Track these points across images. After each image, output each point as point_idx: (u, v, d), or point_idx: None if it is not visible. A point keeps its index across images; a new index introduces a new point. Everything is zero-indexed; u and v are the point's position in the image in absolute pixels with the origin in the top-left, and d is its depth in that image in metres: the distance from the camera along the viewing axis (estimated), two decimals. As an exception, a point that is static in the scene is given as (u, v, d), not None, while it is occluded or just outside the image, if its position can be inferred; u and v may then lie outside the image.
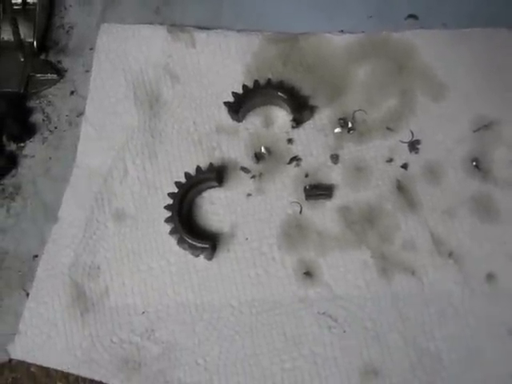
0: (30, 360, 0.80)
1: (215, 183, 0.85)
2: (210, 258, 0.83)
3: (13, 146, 0.92)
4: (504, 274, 0.80)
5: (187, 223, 0.83)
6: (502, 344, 0.78)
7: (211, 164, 0.85)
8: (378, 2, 0.96)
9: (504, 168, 0.84)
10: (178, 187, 0.84)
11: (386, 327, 0.79)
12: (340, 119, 0.88)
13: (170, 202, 0.83)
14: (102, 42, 0.95)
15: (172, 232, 0.82)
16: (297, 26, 0.94)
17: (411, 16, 0.94)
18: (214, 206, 0.85)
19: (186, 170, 0.85)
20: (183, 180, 0.84)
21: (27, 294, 0.83)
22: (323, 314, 0.80)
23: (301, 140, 0.88)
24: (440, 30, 0.92)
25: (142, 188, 0.87)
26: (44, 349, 0.80)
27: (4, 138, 0.92)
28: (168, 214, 0.82)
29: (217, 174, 0.84)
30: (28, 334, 0.81)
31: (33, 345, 0.80)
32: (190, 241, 0.81)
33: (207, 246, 0.81)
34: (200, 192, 0.86)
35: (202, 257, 0.82)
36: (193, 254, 0.82)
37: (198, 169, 0.84)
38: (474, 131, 0.86)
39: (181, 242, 0.82)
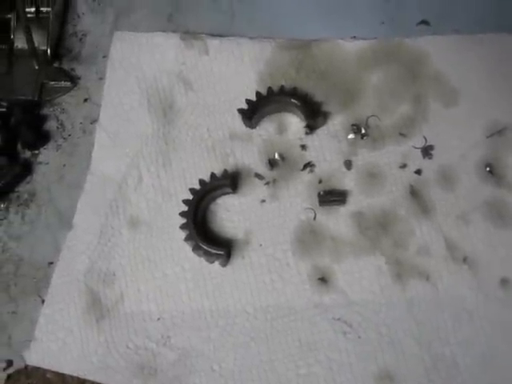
0: (45, 366, 0.81)
1: (230, 190, 0.85)
2: (224, 264, 0.83)
3: (27, 154, 0.92)
4: (518, 279, 0.80)
5: (202, 230, 0.84)
6: (517, 348, 0.78)
7: (225, 170, 0.85)
8: (390, 9, 0.96)
9: (518, 173, 0.85)
10: (192, 194, 0.84)
11: (401, 333, 0.79)
12: (353, 125, 0.88)
13: (185, 208, 0.83)
14: (115, 50, 0.95)
15: (187, 239, 0.82)
16: (309, 33, 0.94)
17: (423, 22, 0.95)
18: (228, 213, 0.86)
19: (200, 177, 0.85)
20: (197, 187, 0.84)
21: (42, 301, 0.83)
22: (338, 319, 0.80)
23: (314, 146, 0.88)
24: (452, 36, 0.92)
25: (156, 195, 0.87)
26: (60, 355, 0.81)
27: (19, 146, 0.93)
28: (183, 220, 0.83)
29: (231, 181, 0.84)
30: (44, 341, 0.81)
31: (48, 351, 0.81)
32: (205, 247, 0.81)
33: (222, 252, 0.81)
34: (214, 199, 0.86)
35: (216, 263, 0.83)
36: (208, 260, 0.83)
37: (213, 175, 0.84)
38: (488, 137, 0.86)
39: (196, 248, 0.82)
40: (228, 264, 0.83)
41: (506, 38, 0.91)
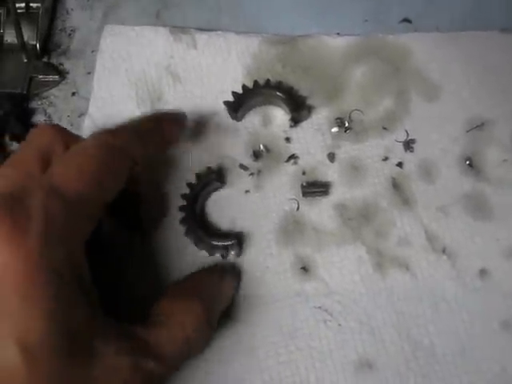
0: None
1: (219, 184, 0.91)
2: (239, 254, 0.87)
3: (15, 146, 0.97)
4: (496, 269, 0.85)
5: (202, 224, 0.88)
6: (495, 338, 0.83)
7: (209, 167, 0.90)
8: (373, 6, 1.03)
9: (496, 167, 0.90)
10: (189, 187, 0.89)
11: (381, 321, 0.84)
12: (337, 119, 0.94)
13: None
14: (105, 43, 1.01)
15: (197, 241, 0.86)
16: (295, 29, 1.00)
17: (405, 20, 1.01)
18: (213, 204, 0.91)
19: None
20: (186, 180, 0.89)
21: None
22: (319, 308, 0.85)
23: (298, 139, 0.93)
24: (434, 33, 0.99)
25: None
26: None
27: (6, 138, 0.98)
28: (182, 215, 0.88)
29: (218, 175, 0.90)
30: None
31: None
32: (216, 243, 0.86)
33: (234, 241, 0.85)
34: (209, 193, 0.91)
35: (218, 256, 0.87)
36: (216, 254, 0.87)
37: (209, 169, 0.90)
38: (468, 131, 0.92)
39: (210, 247, 0.86)
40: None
41: (486, 36, 0.97)
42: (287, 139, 0.93)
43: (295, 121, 0.93)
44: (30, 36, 1.02)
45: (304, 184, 0.89)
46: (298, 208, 0.90)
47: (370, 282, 0.86)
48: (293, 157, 0.92)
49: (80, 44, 1.04)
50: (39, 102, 1.01)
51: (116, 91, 0.98)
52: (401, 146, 0.92)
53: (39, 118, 0.99)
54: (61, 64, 1.03)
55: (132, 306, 0.77)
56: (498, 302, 0.84)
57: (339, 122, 0.93)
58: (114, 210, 0.79)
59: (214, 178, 0.89)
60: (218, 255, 0.87)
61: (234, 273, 0.86)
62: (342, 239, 0.88)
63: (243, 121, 0.95)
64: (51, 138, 0.73)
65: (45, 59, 1.03)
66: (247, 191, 0.91)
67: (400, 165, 0.91)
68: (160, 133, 0.83)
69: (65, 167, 0.68)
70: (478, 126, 0.92)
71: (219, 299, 0.81)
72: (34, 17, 1.03)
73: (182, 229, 0.87)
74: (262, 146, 0.93)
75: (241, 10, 1.04)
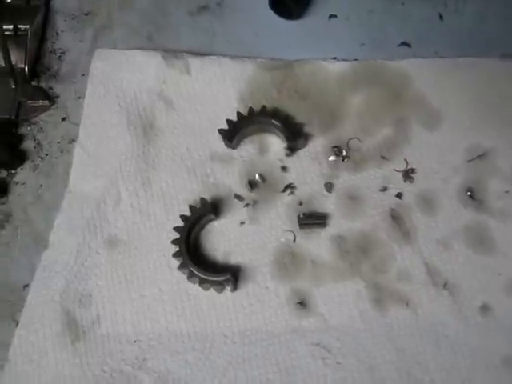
0: (19, 389, 0.84)
1: (214, 217, 0.90)
2: (233, 289, 0.87)
3: (3, 174, 0.96)
4: (498, 305, 0.84)
5: (196, 258, 0.88)
6: (496, 374, 0.82)
7: (203, 199, 0.89)
8: (370, 30, 1.02)
9: (498, 198, 0.89)
10: (183, 220, 0.88)
11: (380, 358, 0.83)
12: (334, 147, 0.93)
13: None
14: (95, 67, 1.00)
15: (190, 275, 0.86)
16: (290, 53, 0.99)
17: (403, 44, 1.00)
18: (208, 235, 0.90)
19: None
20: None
21: (17, 324, 0.86)
22: (317, 344, 0.84)
23: (295, 168, 0.93)
24: (434, 59, 0.98)
25: (134, 215, 0.91)
26: (34, 378, 0.84)
27: (-6, 166, 0.97)
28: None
29: (213, 207, 0.88)
30: (17, 363, 0.84)
31: (22, 373, 0.84)
32: (210, 278, 0.85)
33: (228, 276, 0.84)
34: (203, 226, 0.90)
35: (212, 290, 0.86)
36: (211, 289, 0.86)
37: (203, 200, 0.89)
38: (469, 161, 0.91)
39: (204, 282, 0.85)
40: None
41: (486, 62, 0.97)
42: (283, 168, 0.92)
43: (292, 149, 0.92)
44: (18, 59, 1.01)
45: (301, 215, 0.88)
46: (294, 240, 0.89)
47: (369, 318, 0.85)
48: (289, 186, 0.91)
49: (70, 66, 1.03)
50: (28, 128, 0.99)
51: (107, 117, 0.97)
52: (400, 176, 0.91)
53: (28, 145, 0.98)
54: (51, 88, 1.01)
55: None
56: (499, 338, 0.83)
57: (337, 151, 0.92)
58: None
59: (208, 209, 0.88)
60: (212, 290, 0.86)
61: None
62: (340, 273, 0.87)
63: (238, 149, 0.94)
64: None
65: (34, 82, 1.02)
66: (242, 223, 0.90)
67: (399, 195, 0.90)
68: None
69: None
70: (479, 156, 0.91)
71: None
72: (23, 39, 1.02)
73: (175, 263, 0.87)
74: (257, 176, 0.92)
75: (235, 33, 1.03)
